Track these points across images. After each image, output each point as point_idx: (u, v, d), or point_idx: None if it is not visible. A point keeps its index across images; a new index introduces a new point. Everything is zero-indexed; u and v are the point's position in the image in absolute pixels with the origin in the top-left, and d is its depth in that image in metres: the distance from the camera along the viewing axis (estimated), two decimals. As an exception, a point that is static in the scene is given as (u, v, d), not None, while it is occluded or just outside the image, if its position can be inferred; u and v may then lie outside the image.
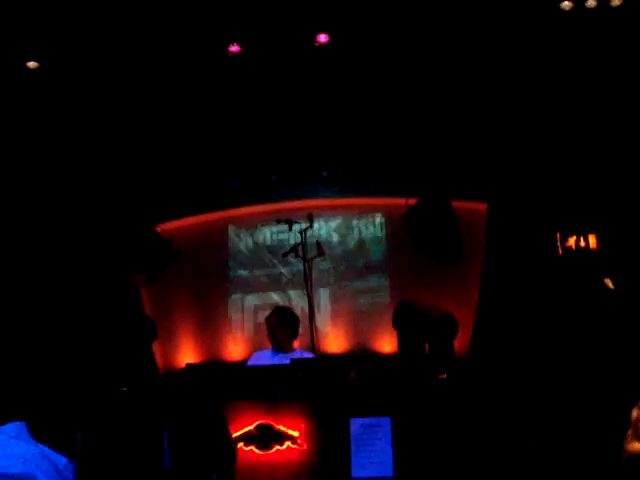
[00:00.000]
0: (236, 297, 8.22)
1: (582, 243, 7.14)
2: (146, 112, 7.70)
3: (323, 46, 7.10)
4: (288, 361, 5.45)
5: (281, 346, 6.13)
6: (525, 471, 4.81)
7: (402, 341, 5.31)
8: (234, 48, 7.13)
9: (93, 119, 7.73)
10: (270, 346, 6.22)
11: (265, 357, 6.09)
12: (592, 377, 6.00)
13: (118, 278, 7.79)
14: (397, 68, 7.29)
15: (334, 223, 8.15)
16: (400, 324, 5.28)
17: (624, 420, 4.90)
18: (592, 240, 7.13)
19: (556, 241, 7.16)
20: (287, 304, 7.58)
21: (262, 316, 6.73)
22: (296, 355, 6.05)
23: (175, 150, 7.88)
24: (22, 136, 7.75)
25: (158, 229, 8.00)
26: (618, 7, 6.67)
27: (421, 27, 6.85)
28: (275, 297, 8.03)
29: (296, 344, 6.43)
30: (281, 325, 6.17)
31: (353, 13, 6.77)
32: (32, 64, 7.20)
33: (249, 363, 6.22)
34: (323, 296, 7.90)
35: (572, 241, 7.17)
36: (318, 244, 6.81)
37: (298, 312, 6.89)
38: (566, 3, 6.65)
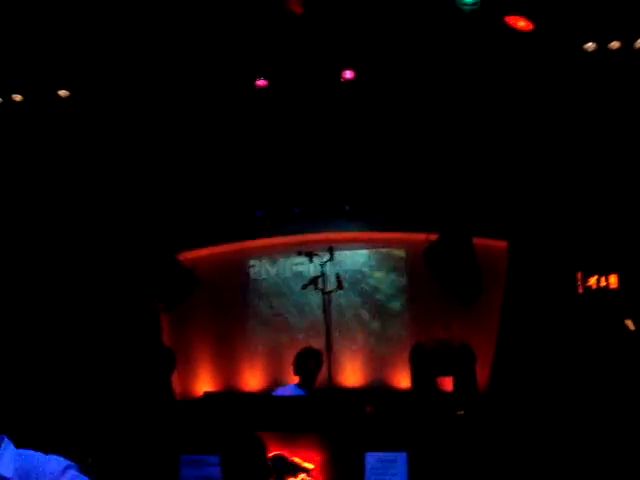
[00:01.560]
0: (254, 327, 8.25)
1: (603, 283, 7.11)
2: (173, 142, 7.82)
3: (348, 82, 7.19)
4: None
5: (309, 385, 6.17)
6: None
7: (416, 377, 5.32)
8: (261, 82, 7.23)
9: (121, 147, 7.86)
10: (293, 381, 6.24)
11: (290, 392, 6.11)
12: (612, 417, 5.93)
13: (139, 305, 7.86)
14: (421, 105, 7.36)
15: (355, 256, 8.17)
16: (416, 360, 5.29)
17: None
18: (613, 280, 7.10)
19: (577, 280, 7.13)
20: (304, 336, 7.59)
21: (279, 346, 6.76)
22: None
23: (200, 180, 7.97)
24: (50, 162, 7.89)
25: (180, 257, 8.08)
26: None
27: (445, 66, 6.93)
28: (293, 328, 8.05)
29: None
30: (316, 368, 6.21)
31: (379, 51, 6.86)
32: (63, 92, 7.34)
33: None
34: (341, 329, 7.89)
35: (593, 280, 7.14)
36: (338, 277, 6.83)
37: (316, 344, 6.91)
38: (589, 44, 6.69)
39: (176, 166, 7.95)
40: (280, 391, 6.27)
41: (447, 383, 6.05)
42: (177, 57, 6.96)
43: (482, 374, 6.52)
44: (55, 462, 2.10)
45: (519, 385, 6.74)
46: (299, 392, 6.09)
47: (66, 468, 2.08)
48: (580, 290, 7.15)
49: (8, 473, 2.05)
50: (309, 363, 6.22)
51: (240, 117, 7.63)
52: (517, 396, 6.56)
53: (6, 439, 2.12)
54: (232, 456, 3.20)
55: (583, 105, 7.09)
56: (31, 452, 2.13)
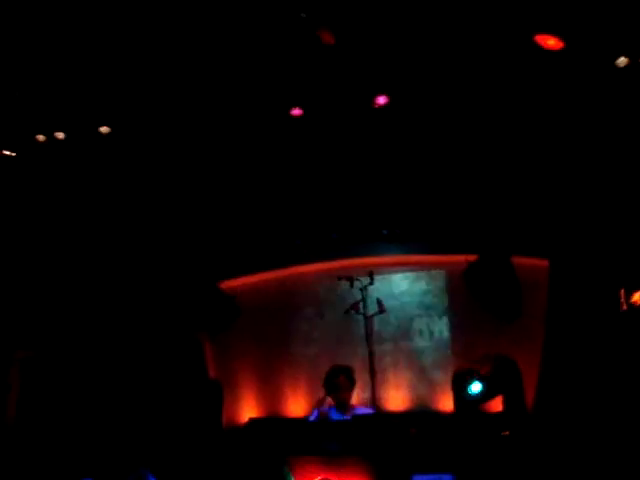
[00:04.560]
0: (297, 353, 8.30)
1: (647, 299, 7.01)
2: (214, 172, 7.96)
3: (382, 107, 7.27)
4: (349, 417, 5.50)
5: (344, 405, 6.17)
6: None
7: (459, 401, 5.31)
8: (296, 111, 7.35)
9: (164, 178, 8.03)
10: (332, 404, 6.26)
11: (328, 415, 6.13)
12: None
13: (184, 335, 7.98)
14: (458, 127, 7.39)
15: (394, 280, 8.19)
16: (458, 385, 5.29)
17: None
18: (657, 296, 7.00)
19: (620, 297, 7.05)
20: (348, 361, 7.61)
21: (323, 372, 6.78)
22: (358, 411, 6.08)
23: (240, 209, 8.10)
24: (92, 196, 8.09)
25: (222, 286, 8.19)
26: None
27: (479, 86, 6.96)
28: (337, 353, 8.07)
29: (354, 401, 6.47)
30: (347, 385, 6.22)
31: (412, 76, 6.93)
32: (104, 129, 7.54)
33: (310, 419, 6.26)
34: (384, 353, 7.89)
35: (637, 297, 7.05)
36: (379, 301, 6.87)
37: (359, 368, 6.93)
38: (622, 59, 6.67)
39: (217, 196, 8.09)
40: (316, 414, 6.29)
41: (495, 404, 6.02)
42: (216, 87, 7.11)
43: (528, 394, 6.46)
44: None
45: (565, 404, 6.67)
46: (334, 415, 6.09)
47: None
48: (624, 307, 7.06)
49: None
50: (339, 380, 6.22)
51: (276, 146, 7.75)
52: (563, 415, 6.50)
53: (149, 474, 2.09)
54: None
55: (619, 121, 7.05)
56: None
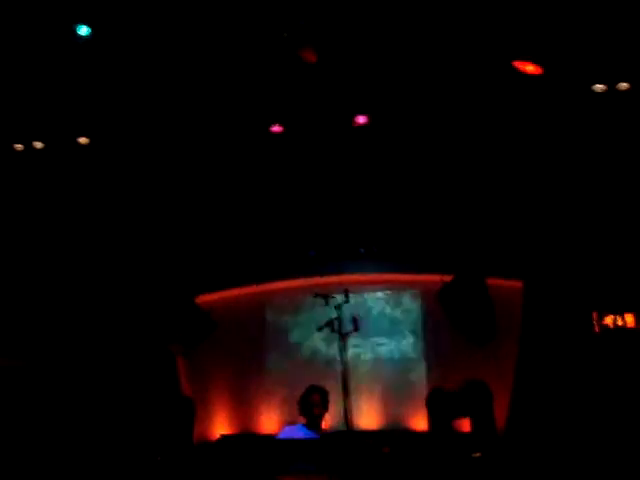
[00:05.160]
0: (270, 370, 8.28)
1: (619, 322, 7.09)
2: (191, 187, 7.95)
3: (361, 127, 7.32)
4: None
5: (316, 424, 6.16)
6: None
7: (434, 420, 5.31)
8: (276, 128, 7.37)
9: (140, 191, 8.00)
10: (302, 421, 6.24)
11: (297, 433, 6.10)
12: (631, 457, 5.88)
13: (157, 349, 7.92)
14: (434, 148, 7.45)
15: (370, 299, 8.21)
16: (433, 404, 5.29)
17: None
18: (629, 319, 7.08)
19: (592, 320, 7.12)
20: (322, 379, 7.59)
21: (295, 390, 6.75)
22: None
23: (217, 225, 8.09)
24: (70, 202, 8.04)
25: (197, 301, 8.16)
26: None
27: (456, 109, 7.03)
28: (309, 371, 8.05)
29: (326, 425, 6.47)
30: (321, 404, 6.21)
31: (391, 96, 6.99)
32: (83, 140, 7.51)
33: (280, 436, 6.23)
34: (357, 371, 7.88)
35: (609, 320, 7.13)
36: (354, 319, 6.84)
37: (332, 387, 6.91)
38: (598, 85, 6.77)
39: (193, 211, 8.07)
40: (286, 431, 6.26)
41: (465, 425, 6.03)
42: (198, 102, 7.11)
43: (499, 415, 6.48)
44: None
45: (536, 426, 6.70)
46: (305, 432, 6.07)
47: None
48: (596, 329, 7.13)
49: None
50: (312, 398, 6.22)
51: (256, 162, 7.76)
52: (534, 437, 6.52)
53: None
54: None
55: (594, 145, 7.15)
56: None
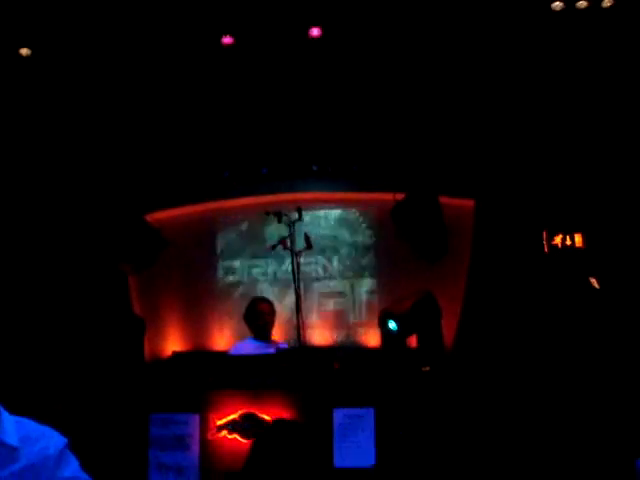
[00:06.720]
0: (223, 287, 8.26)
1: (568, 242, 7.20)
2: (138, 103, 7.71)
3: (316, 40, 7.13)
4: (272, 351, 5.51)
5: (264, 334, 6.20)
6: (507, 466, 4.88)
7: (385, 336, 5.37)
8: (227, 40, 7.14)
9: (85, 110, 7.72)
10: (251, 335, 6.28)
11: (247, 347, 6.13)
12: (576, 373, 6.06)
13: (107, 268, 7.81)
14: (388, 63, 7.32)
15: (323, 217, 8.19)
16: (384, 325, 5.34)
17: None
18: (578, 239, 7.19)
19: (542, 239, 7.22)
20: (275, 296, 7.62)
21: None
22: (281, 347, 6.11)
23: (167, 141, 7.89)
24: (12, 126, 7.73)
25: (148, 218, 8.02)
26: (609, 8, 6.71)
27: (411, 24, 6.89)
28: (262, 288, 8.07)
29: (278, 337, 6.52)
30: (269, 311, 6.26)
31: (346, 7, 6.80)
32: (25, 51, 7.18)
33: (231, 353, 6.26)
34: (310, 289, 7.93)
35: (558, 239, 7.23)
36: (306, 237, 6.82)
37: (285, 304, 6.95)
38: (557, 4, 6.69)
39: (142, 126, 7.84)
40: (237, 348, 6.29)
41: (414, 341, 6.14)
42: (141, 16, 6.84)
43: (449, 332, 6.59)
44: (57, 437, 1.99)
45: (485, 342, 6.85)
46: (256, 343, 6.12)
47: (65, 447, 1.97)
48: (546, 249, 7.24)
49: (13, 441, 1.91)
50: (261, 307, 6.27)
51: (207, 75, 7.53)
52: (482, 353, 6.68)
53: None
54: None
55: (549, 64, 7.10)
56: (28, 421, 1.99)
